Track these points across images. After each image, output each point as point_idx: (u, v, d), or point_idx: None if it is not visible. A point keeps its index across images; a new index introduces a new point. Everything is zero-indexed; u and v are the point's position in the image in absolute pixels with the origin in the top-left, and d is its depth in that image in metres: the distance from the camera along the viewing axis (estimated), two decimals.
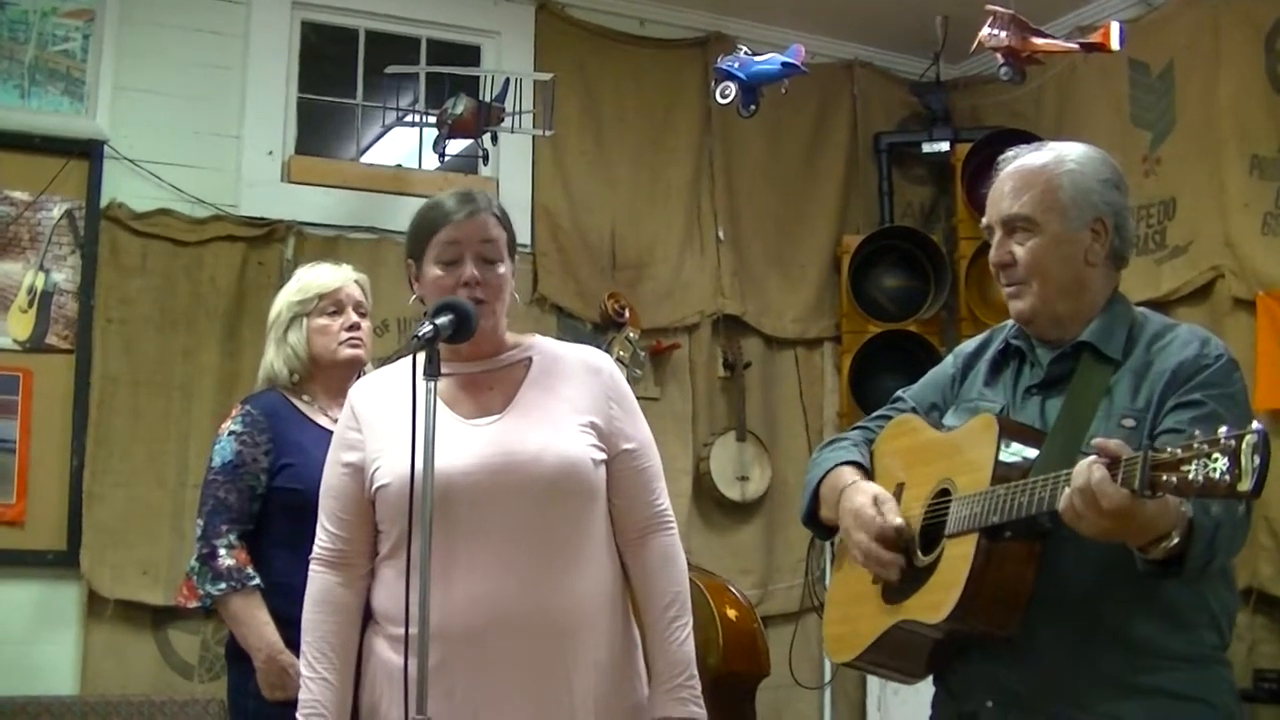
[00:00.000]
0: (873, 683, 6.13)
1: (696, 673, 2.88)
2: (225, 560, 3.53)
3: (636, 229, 6.40)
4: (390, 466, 2.75)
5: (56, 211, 5.38)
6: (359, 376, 3.65)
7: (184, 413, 5.42)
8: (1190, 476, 1.99)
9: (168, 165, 5.57)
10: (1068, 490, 2.18)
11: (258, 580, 3.53)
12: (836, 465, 2.83)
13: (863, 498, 2.65)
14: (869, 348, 6.50)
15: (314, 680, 2.80)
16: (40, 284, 5.34)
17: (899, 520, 2.57)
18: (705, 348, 6.43)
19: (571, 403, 2.86)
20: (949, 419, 2.76)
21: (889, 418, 2.91)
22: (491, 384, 2.88)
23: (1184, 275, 5.74)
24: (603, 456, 2.84)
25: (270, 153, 5.80)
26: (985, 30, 5.13)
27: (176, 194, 5.56)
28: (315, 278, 3.82)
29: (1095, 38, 5.09)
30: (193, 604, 3.65)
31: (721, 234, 6.52)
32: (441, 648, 2.53)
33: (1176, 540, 2.19)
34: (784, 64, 5.36)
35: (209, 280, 5.55)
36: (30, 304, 5.32)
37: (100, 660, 5.23)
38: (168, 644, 5.32)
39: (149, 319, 5.46)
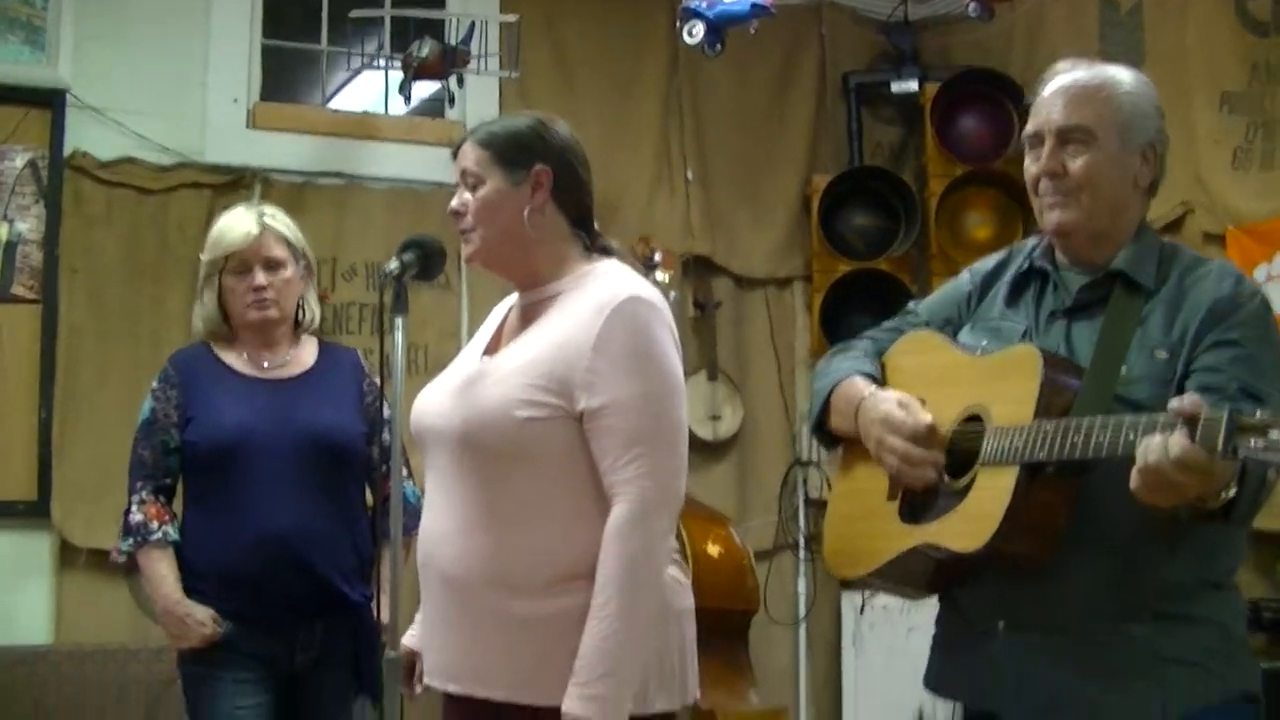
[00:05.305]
0: (847, 619, 6.13)
1: (609, 671, 2.49)
2: (135, 516, 3.59)
3: (605, 171, 6.23)
4: None
5: (19, 161, 5.32)
6: (297, 327, 3.67)
7: (152, 362, 5.24)
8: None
9: (132, 113, 5.48)
10: (1141, 466, 2.15)
11: (160, 535, 3.56)
12: (849, 375, 2.82)
13: (888, 404, 2.66)
14: (840, 286, 6.49)
15: None
16: (4, 234, 5.28)
17: (929, 418, 2.59)
18: (676, 288, 6.41)
19: (544, 347, 2.64)
20: (965, 337, 2.77)
21: (900, 330, 2.90)
22: (535, 315, 2.76)
23: (1154, 210, 5.68)
24: (544, 414, 2.58)
25: (235, 100, 5.74)
26: None
27: (141, 142, 5.49)
28: (225, 233, 3.67)
29: None
30: (119, 559, 3.71)
31: (690, 175, 6.49)
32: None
33: (1234, 492, 2.18)
34: (753, 5, 5.30)
35: (175, 228, 5.50)
36: None
37: (74, 609, 5.23)
38: (141, 592, 5.29)
39: (115, 268, 5.42)
